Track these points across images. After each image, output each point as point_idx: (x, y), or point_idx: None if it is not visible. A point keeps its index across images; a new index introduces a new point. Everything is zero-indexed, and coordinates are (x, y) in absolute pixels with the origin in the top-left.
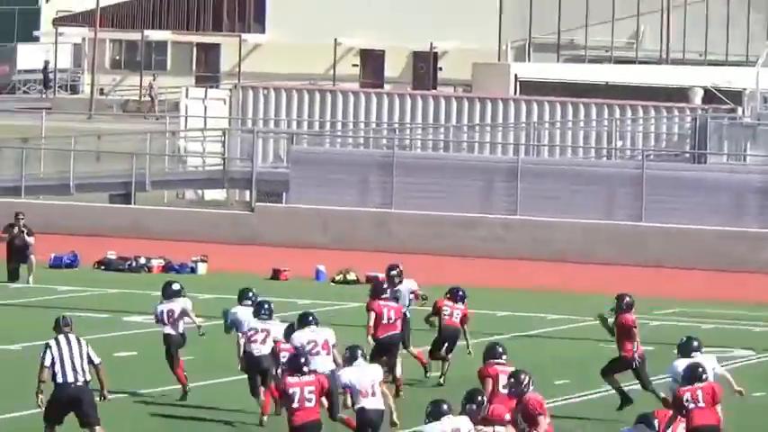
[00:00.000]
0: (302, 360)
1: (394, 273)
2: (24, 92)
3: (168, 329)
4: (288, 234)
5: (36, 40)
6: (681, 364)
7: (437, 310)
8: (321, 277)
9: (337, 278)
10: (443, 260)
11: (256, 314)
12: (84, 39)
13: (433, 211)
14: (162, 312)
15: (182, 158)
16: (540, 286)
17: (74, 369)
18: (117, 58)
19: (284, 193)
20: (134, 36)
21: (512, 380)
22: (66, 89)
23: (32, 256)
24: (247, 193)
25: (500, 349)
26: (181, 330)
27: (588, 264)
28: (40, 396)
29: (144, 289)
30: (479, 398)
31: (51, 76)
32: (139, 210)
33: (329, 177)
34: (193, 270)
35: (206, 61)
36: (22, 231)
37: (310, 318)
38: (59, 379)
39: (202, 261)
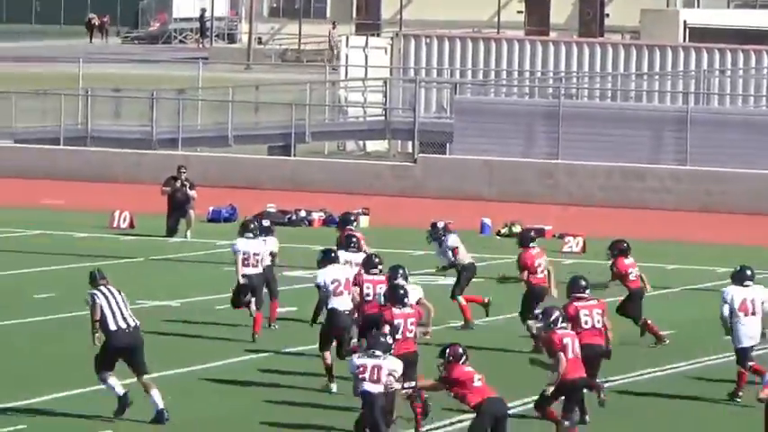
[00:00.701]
0: (402, 292)
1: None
2: (180, 41)
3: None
4: (451, 186)
5: None
6: (732, 290)
7: (623, 274)
8: (486, 230)
9: (503, 231)
10: (611, 212)
11: (241, 234)
12: None
13: (600, 162)
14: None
15: (342, 109)
16: (709, 239)
17: (123, 317)
18: (275, 5)
19: (447, 144)
20: None
21: (541, 314)
22: (222, 38)
23: (191, 211)
24: (409, 143)
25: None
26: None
27: (760, 216)
28: (97, 335)
29: (304, 243)
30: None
31: (208, 25)
32: (299, 161)
33: (493, 127)
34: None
35: (366, 9)
36: (184, 185)
37: (333, 254)
38: (113, 326)
39: (364, 214)
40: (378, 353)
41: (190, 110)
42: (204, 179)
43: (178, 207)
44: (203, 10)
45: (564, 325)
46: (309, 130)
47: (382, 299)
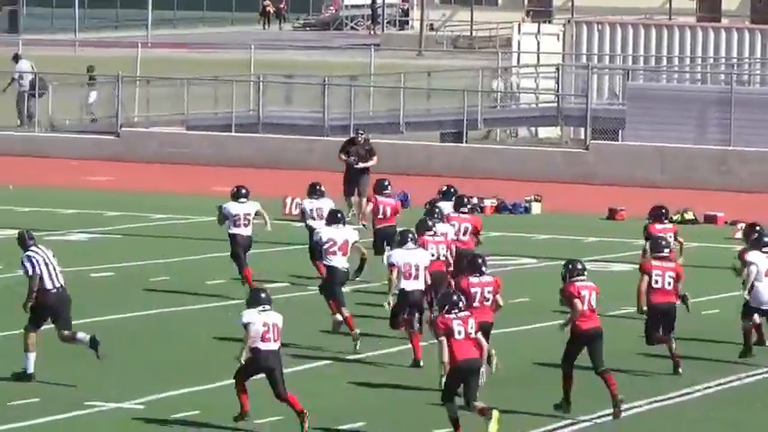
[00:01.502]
0: (480, 260)
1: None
2: (352, 28)
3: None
4: (624, 172)
5: None
6: (752, 255)
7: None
8: None
9: (675, 218)
10: None
11: (235, 198)
12: None
13: None
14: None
15: (514, 95)
16: None
17: (56, 275)
18: None
19: (620, 131)
20: None
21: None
22: (394, 25)
23: (364, 200)
24: (582, 130)
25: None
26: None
27: None
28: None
29: None
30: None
31: (380, 11)
32: (471, 148)
33: (666, 114)
34: (527, 210)
35: None
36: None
37: (339, 215)
38: (48, 285)
39: (536, 200)
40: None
41: (361, 96)
42: (376, 166)
43: (353, 180)
44: None
45: (583, 277)
46: (481, 116)
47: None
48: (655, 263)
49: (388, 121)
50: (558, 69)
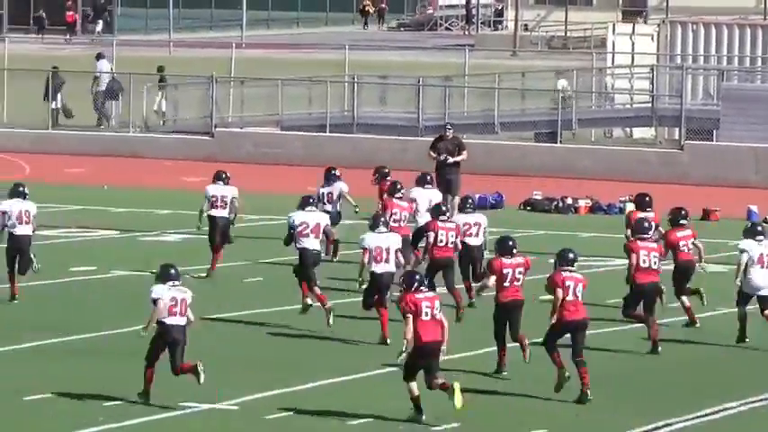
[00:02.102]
0: (510, 243)
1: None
2: (446, 28)
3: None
4: (718, 173)
5: None
6: (744, 244)
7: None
8: (753, 217)
9: None
10: None
11: (217, 179)
12: None
13: None
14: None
15: (609, 96)
16: None
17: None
18: None
19: (714, 131)
20: None
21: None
22: (488, 25)
23: (457, 198)
24: (676, 130)
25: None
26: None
27: None
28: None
29: (570, 230)
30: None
31: (474, 11)
32: (566, 148)
33: (761, 114)
34: (621, 210)
35: None
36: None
37: (311, 200)
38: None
39: (630, 201)
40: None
41: (456, 97)
42: (470, 166)
43: (443, 176)
44: None
45: (572, 268)
46: (576, 116)
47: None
48: (640, 243)
49: (483, 121)
50: (652, 70)
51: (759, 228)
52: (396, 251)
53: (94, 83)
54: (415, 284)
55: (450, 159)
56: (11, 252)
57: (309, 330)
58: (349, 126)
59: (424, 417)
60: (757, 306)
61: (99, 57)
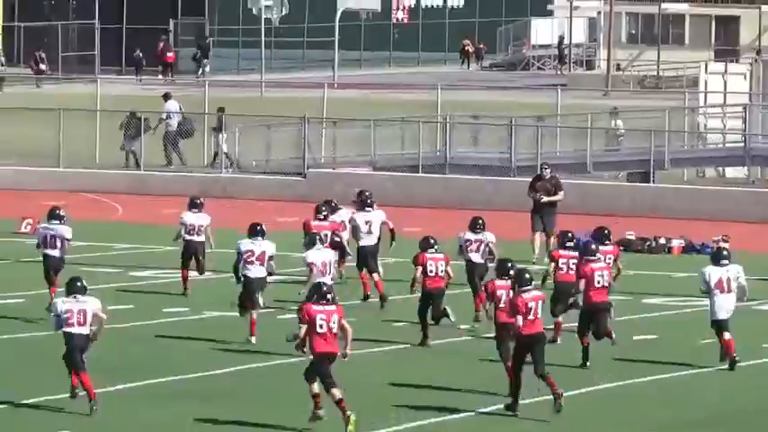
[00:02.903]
0: (509, 264)
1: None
2: (539, 68)
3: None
4: None
5: (550, 14)
6: (708, 270)
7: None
8: None
9: None
10: None
11: (192, 207)
12: (599, 12)
13: None
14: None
15: (701, 135)
16: None
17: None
18: (633, 32)
19: None
20: (651, 9)
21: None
22: (581, 65)
23: (553, 235)
24: None
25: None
26: None
27: None
28: None
29: (663, 270)
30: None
31: (566, 51)
32: (659, 188)
33: None
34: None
35: (725, 34)
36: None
37: (258, 228)
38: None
39: (724, 241)
40: None
41: (548, 137)
42: (563, 206)
43: (539, 215)
44: (561, 37)
45: (529, 287)
46: (669, 156)
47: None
48: (593, 265)
49: (575, 161)
50: (745, 109)
51: (724, 252)
52: (334, 263)
53: (160, 123)
54: (315, 296)
55: (545, 199)
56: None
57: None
58: (441, 166)
59: (323, 412)
60: None
61: (166, 97)
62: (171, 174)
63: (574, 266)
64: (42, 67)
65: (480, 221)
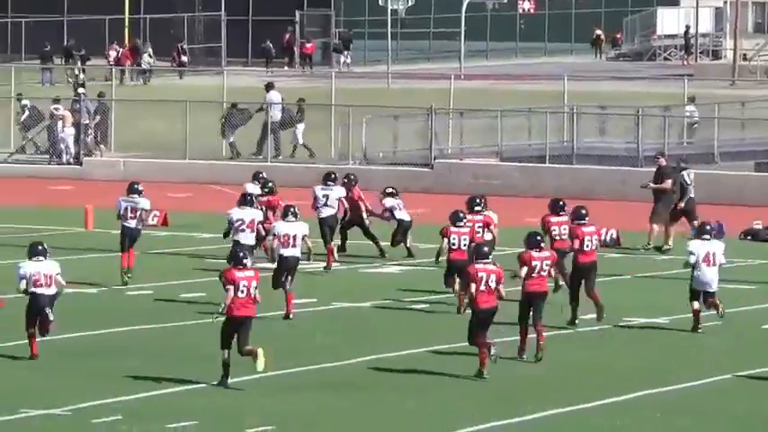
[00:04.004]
0: (539, 237)
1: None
2: (665, 58)
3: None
4: None
5: (676, 3)
6: (692, 244)
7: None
8: None
9: None
10: None
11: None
12: (725, 2)
13: None
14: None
15: None
16: None
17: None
18: (759, 21)
19: None
20: None
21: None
22: (707, 54)
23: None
24: None
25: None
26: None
27: None
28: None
29: None
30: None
31: (692, 41)
32: None
33: None
34: None
35: None
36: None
37: (248, 198)
38: None
39: None
40: None
41: (675, 126)
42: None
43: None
44: (688, 27)
45: (487, 260)
46: None
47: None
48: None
49: (703, 151)
50: None
51: (707, 227)
52: (303, 237)
53: (259, 111)
54: (234, 262)
55: (651, 186)
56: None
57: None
58: (568, 157)
59: (229, 381)
60: None
61: (269, 87)
62: (297, 165)
63: (566, 232)
64: (184, 58)
65: (478, 200)
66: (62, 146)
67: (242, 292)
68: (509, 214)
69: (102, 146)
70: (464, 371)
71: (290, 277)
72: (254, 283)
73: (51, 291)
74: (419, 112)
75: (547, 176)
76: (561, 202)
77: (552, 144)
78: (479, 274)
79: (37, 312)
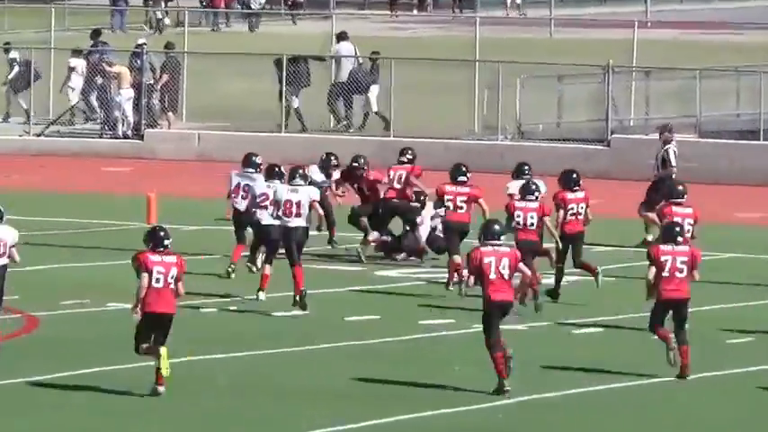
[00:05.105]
0: (575, 176)
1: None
2: None
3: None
4: None
5: None
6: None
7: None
8: None
9: None
10: None
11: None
12: None
13: None
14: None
15: None
16: None
17: None
18: None
19: None
20: None
21: None
22: None
23: None
24: None
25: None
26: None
27: None
28: None
29: None
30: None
31: None
32: None
33: None
34: None
35: None
36: None
37: (277, 169)
38: None
39: None
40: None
41: None
42: None
43: None
44: None
45: (497, 242)
46: None
47: None
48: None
49: None
50: None
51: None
52: (312, 202)
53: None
54: (152, 245)
55: None
56: None
57: None
58: None
59: (162, 389)
60: None
61: (340, 38)
62: (428, 140)
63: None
64: None
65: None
66: (117, 113)
67: (157, 281)
68: (711, 208)
69: (170, 114)
70: None
71: (299, 253)
72: (173, 272)
73: (2, 261)
74: (591, 72)
75: (761, 158)
76: (575, 175)
77: None
78: (486, 260)
79: None
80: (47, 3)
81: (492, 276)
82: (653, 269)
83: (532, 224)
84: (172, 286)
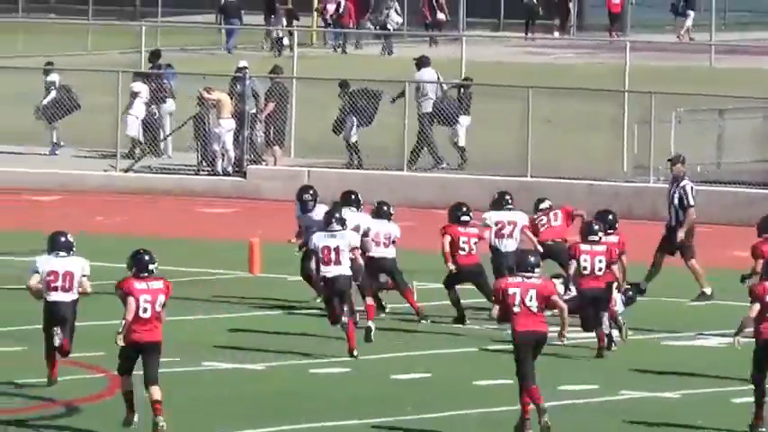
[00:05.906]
0: (597, 227)
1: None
2: None
3: None
4: None
5: None
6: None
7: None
8: None
9: None
10: None
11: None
12: None
13: None
14: None
15: None
16: None
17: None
18: None
19: None
20: None
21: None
22: None
23: None
24: None
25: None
26: None
27: None
28: None
29: None
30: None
31: None
32: None
33: None
34: None
35: None
36: None
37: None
38: None
39: None
40: None
41: None
42: None
43: None
44: None
45: (529, 274)
46: None
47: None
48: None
49: None
50: None
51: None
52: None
53: (396, 100)
54: (135, 270)
55: None
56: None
57: None
58: None
59: (136, 418)
60: None
61: (422, 63)
62: (568, 181)
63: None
64: (440, 16)
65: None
66: (216, 147)
67: (144, 310)
68: None
69: (276, 147)
70: None
71: (343, 305)
72: (160, 299)
73: (71, 296)
74: (757, 105)
75: None
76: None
77: None
78: (510, 291)
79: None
80: (134, 20)
81: (516, 309)
82: (756, 307)
83: (600, 269)
84: (158, 314)
